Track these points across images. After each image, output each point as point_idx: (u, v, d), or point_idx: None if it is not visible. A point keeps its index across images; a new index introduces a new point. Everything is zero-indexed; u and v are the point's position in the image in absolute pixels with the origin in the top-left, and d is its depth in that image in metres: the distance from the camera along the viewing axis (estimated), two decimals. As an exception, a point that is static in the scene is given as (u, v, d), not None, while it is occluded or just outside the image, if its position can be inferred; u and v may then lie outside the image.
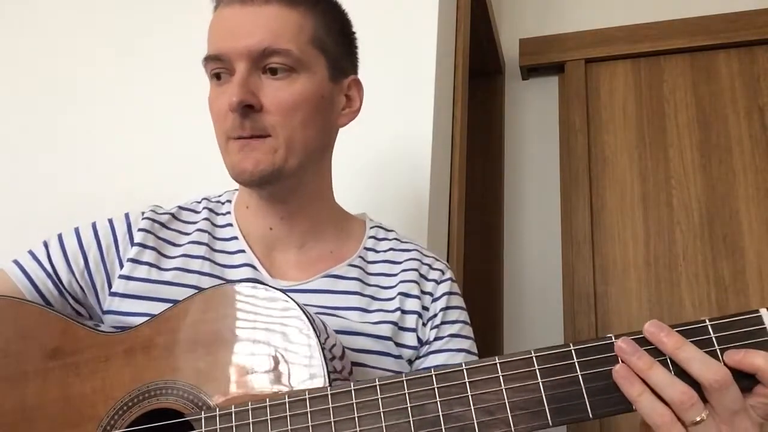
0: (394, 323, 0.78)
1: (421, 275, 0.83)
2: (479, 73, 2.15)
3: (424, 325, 0.80)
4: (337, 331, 0.72)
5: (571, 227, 1.97)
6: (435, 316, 0.81)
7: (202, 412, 0.59)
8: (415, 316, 0.79)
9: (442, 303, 0.81)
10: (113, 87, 1.43)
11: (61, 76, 1.47)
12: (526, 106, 2.21)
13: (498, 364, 0.55)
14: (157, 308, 0.69)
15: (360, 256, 0.83)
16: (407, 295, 0.80)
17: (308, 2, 0.76)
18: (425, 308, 0.81)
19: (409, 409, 0.55)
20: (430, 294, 0.82)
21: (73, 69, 1.47)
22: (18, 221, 1.33)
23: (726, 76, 2.01)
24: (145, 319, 0.68)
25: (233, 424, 0.57)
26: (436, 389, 0.55)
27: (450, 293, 0.83)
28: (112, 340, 0.66)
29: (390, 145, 1.21)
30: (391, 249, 0.85)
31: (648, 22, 2.08)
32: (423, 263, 0.84)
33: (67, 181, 1.37)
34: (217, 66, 0.74)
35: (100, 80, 1.45)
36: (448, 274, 0.85)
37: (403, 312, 0.79)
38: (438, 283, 0.83)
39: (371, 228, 0.88)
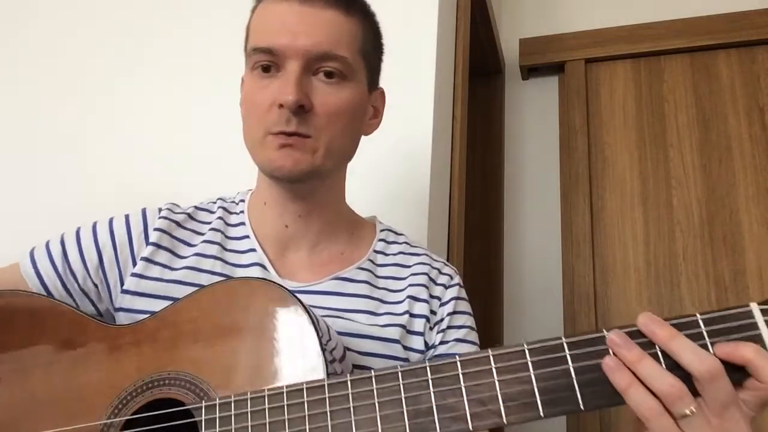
0: (403, 326, 0.78)
1: (431, 279, 0.83)
2: (479, 73, 2.15)
3: (431, 329, 0.80)
4: (345, 334, 0.72)
5: (571, 227, 1.97)
6: (442, 320, 0.81)
7: (203, 401, 0.61)
8: (423, 319, 0.79)
9: (449, 308, 0.82)
10: (114, 87, 1.44)
11: (62, 76, 1.47)
12: (526, 106, 2.21)
13: (491, 357, 0.56)
14: None
15: (369, 259, 0.83)
16: (416, 299, 0.80)
17: (361, 13, 0.77)
18: (433, 312, 0.81)
19: (403, 399, 0.56)
20: (438, 298, 0.82)
21: (74, 69, 1.47)
22: (18, 221, 1.33)
23: (726, 76, 2.01)
24: None
25: (232, 412, 0.59)
26: (430, 380, 0.56)
27: (457, 298, 0.83)
28: (120, 333, 0.68)
29: (390, 144, 1.21)
30: (400, 253, 0.86)
31: (648, 22, 2.08)
32: (432, 267, 0.85)
33: (68, 180, 1.38)
34: (267, 58, 0.73)
35: (101, 80, 1.45)
36: (456, 280, 0.85)
37: (412, 315, 0.79)
38: (446, 287, 0.83)
39: (381, 231, 0.88)
